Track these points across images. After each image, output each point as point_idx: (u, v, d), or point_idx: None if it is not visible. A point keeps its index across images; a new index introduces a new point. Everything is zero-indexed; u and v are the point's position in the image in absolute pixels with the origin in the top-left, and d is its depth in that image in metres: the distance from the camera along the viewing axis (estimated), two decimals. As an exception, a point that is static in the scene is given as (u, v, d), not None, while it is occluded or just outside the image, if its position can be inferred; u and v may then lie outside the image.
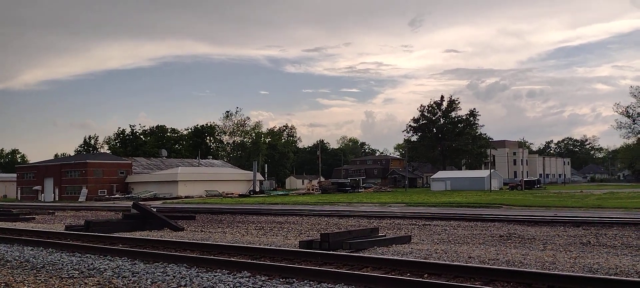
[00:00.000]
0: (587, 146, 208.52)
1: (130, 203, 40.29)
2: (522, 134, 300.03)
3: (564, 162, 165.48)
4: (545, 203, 37.73)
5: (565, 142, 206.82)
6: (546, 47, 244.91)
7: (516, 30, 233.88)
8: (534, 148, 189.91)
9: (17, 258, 13.20)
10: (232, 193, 78.09)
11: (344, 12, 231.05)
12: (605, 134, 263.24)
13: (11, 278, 10.52)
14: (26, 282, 10.10)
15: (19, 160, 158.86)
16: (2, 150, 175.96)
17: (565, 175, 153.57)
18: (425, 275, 9.82)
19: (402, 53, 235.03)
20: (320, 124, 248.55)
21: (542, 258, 12.28)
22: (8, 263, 12.48)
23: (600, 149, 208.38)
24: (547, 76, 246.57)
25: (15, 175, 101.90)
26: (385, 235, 16.57)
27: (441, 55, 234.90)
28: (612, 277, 9.50)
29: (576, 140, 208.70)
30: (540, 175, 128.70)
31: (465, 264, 10.70)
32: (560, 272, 9.85)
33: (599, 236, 17.60)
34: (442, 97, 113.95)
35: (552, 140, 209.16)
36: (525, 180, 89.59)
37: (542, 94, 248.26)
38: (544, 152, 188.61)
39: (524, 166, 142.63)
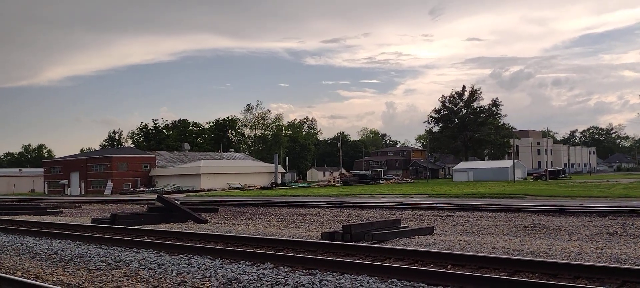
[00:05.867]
0: (613, 135, 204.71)
1: (154, 196, 40.81)
2: (547, 123, 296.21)
3: (590, 151, 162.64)
4: (570, 193, 37.17)
5: (591, 130, 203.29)
6: (571, 34, 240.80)
7: (540, 17, 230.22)
8: (559, 137, 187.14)
9: (45, 250, 13.49)
10: (254, 186, 78.57)
11: (363, 2, 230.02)
12: (632, 122, 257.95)
13: (40, 270, 10.76)
14: (55, 273, 10.32)
15: (45, 155, 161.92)
16: (29, 145, 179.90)
17: (590, 164, 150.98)
18: (449, 266, 9.78)
19: (422, 43, 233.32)
20: (340, 115, 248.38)
21: (567, 249, 12.12)
22: (37, 256, 12.77)
23: (626, 138, 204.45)
24: (572, 64, 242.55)
25: (42, 169, 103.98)
26: (407, 227, 16.53)
27: (463, 44, 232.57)
28: (639, 267, 9.33)
29: (602, 129, 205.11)
30: (565, 164, 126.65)
31: (489, 255, 10.60)
32: (586, 263, 9.70)
33: (626, 226, 17.30)
34: (463, 87, 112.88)
35: (577, 129, 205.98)
36: (549, 170, 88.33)
37: (567, 82, 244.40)
38: (568, 141, 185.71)
39: (548, 156, 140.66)
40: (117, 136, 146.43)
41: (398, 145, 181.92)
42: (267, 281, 9.00)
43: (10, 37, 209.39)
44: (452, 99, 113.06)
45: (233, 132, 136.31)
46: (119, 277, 9.81)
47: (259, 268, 10.10)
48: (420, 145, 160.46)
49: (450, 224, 19.27)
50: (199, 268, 10.30)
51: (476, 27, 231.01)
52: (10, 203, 42.72)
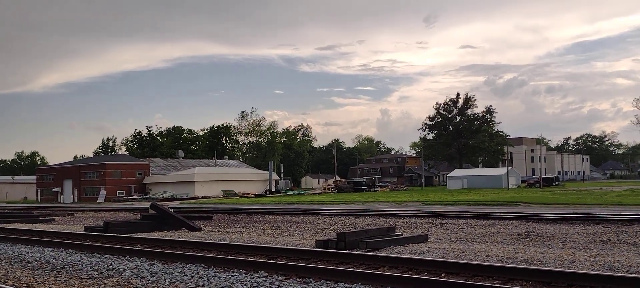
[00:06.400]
0: (606, 142, 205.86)
1: (148, 204, 40.61)
2: (541, 131, 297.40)
3: (583, 158, 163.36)
4: (564, 201, 37.29)
5: (584, 138, 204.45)
6: (564, 41, 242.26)
7: (533, 25, 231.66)
8: (552, 145, 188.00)
9: (37, 259, 13.39)
10: (249, 193, 78.38)
11: (357, 9, 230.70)
12: (625, 129, 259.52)
13: (32, 279, 10.67)
14: (47, 282, 10.24)
15: (38, 163, 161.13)
16: (22, 152, 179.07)
17: (584, 172, 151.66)
18: (443, 275, 9.77)
19: (417, 50, 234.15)
20: (335, 122, 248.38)
21: (561, 257, 12.14)
22: (29, 264, 12.67)
23: (619, 145, 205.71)
24: (565, 71, 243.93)
25: (35, 177, 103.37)
26: (401, 234, 16.52)
27: (457, 52, 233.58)
28: (633, 275, 9.35)
29: (595, 137, 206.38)
30: (559, 172, 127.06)
31: (483, 263, 10.60)
32: (580, 271, 9.72)
33: (619, 234, 17.35)
34: (458, 94, 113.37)
35: (570, 137, 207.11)
36: (543, 178, 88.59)
37: (561, 89, 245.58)
38: (562, 148, 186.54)
39: (542, 163, 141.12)
40: (110, 143, 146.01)
41: (392, 153, 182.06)
42: (261, 290, 8.95)
43: (4, 44, 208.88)
44: (446, 106, 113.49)
45: (227, 139, 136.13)
46: (112, 286, 9.74)
47: (252, 276, 10.06)
48: (414, 152, 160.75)
49: (445, 232, 19.28)
50: (192, 276, 10.24)
51: (470, 35, 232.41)
52: (2, 211, 42.38)
